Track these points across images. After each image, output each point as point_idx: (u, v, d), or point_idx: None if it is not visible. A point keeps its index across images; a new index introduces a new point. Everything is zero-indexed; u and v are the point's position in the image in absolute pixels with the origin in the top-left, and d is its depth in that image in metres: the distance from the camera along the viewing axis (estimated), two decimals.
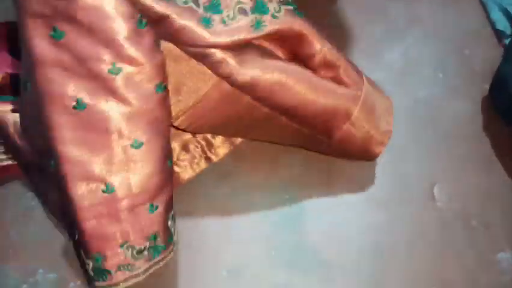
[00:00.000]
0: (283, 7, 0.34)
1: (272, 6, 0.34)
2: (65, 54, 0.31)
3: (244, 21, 0.33)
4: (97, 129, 0.32)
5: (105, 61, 0.31)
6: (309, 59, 0.38)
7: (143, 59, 0.32)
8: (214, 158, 0.45)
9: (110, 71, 0.31)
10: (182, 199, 0.42)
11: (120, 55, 0.31)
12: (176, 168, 0.44)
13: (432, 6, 0.56)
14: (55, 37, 0.31)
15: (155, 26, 0.32)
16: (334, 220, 0.44)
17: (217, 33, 0.33)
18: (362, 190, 0.45)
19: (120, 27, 0.31)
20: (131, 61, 0.31)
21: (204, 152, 0.45)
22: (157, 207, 0.35)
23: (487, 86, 0.50)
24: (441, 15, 0.55)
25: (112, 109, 0.32)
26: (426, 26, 0.55)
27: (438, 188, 0.45)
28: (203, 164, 0.45)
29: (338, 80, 0.39)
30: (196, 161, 0.45)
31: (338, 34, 0.53)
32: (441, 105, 0.50)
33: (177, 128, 0.40)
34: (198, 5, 0.33)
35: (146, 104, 0.33)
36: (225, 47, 0.33)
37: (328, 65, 0.38)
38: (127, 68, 0.32)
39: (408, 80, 0.51)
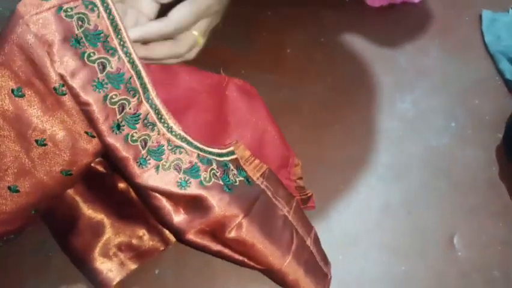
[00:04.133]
0: (214, 180, 0.36)
1: (204, 175, 0.36)
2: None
3: (174, 175, 0.35)
4: None
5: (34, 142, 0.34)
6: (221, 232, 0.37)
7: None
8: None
9: (36, 141, 0.34)
10: None
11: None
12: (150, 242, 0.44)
13: (439, 58, 0.57)
14: (16, 95, 0.32)
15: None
16: (351, 270, 0.43)
17: (146, 177, 0.34)
18: (380, 240, 0.45)
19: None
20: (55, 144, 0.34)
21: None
22: None
23: (500, 135, 0.51)
24: (450, 66, 0.57)
25: (13, 155, 0.34)
26: (435, 77, 0.56)
27: (457, 238, 0.45)
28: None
29: (247, 255, 0.38)
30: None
31: (350, 85, 0.55)
32: (455, 154, 0.50)
33: None
34: (144, 147, 0.35)
35: (45, 173, 0.35)
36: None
37: (240, 242, 0.37)
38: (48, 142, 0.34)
39: (421, 129, 0.52)
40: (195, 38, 0.43)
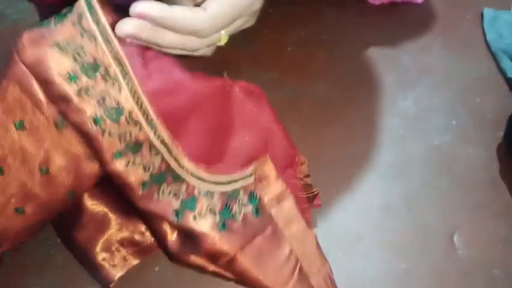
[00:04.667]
0: (209, 215, 0.37)
1: (199, 209, 0.37)
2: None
3: (172, 203, 0.36)
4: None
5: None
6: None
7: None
8: None
9: (40, 169, 0.34)
10: None
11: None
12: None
13: (441, 56, 0.57)
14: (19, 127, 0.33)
15: None
16: (352, 269, 0.43)
17: (147, 201, 0.36)
18: (380, 238, 0.45)
19: None
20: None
21: None
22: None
23: (501, 134, 0.51)
24: (451, 64, 0.57)
25: (18, 183, 0.35)
26: (437, 75, 0.56)
27: (458, 236, 0.45)
28: None
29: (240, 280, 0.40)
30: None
31: (351, 83, 0.55)
32: (456, 152, 0.50)
33: None
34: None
35: (50, 196, 0.36)
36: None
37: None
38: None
39: (422, 127, 0.52)
40: (219, 36, 0.37)
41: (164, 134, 0.35)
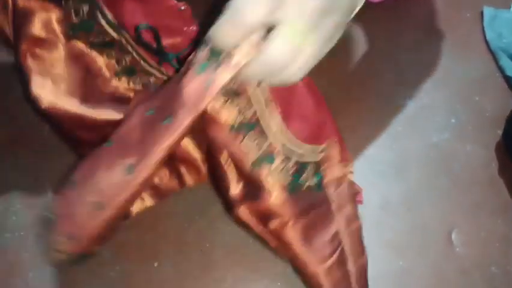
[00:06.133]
0: (283, 174, 0.38)
1: (276, 166, 0.38)
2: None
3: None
4: None
5: None
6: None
7: None
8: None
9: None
10: None
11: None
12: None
13: (440, 54, 0.57)
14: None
15: None
16: None
17: (236, 141, 0.37)
18: (379, 237, 0.45)
19: None
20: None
21: None
22: None
23: (500, 132, 0.51)
24: (450, 62, 0.57)
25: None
26: (436, 73, 0.56)
27: (456, 234, 0.45)
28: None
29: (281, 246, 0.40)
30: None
31: (350, 80, 0.55)
32: (455, 150, 0.50)
33: None
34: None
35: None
36: None
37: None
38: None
39: (421, 125, 0.52)
40: None
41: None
